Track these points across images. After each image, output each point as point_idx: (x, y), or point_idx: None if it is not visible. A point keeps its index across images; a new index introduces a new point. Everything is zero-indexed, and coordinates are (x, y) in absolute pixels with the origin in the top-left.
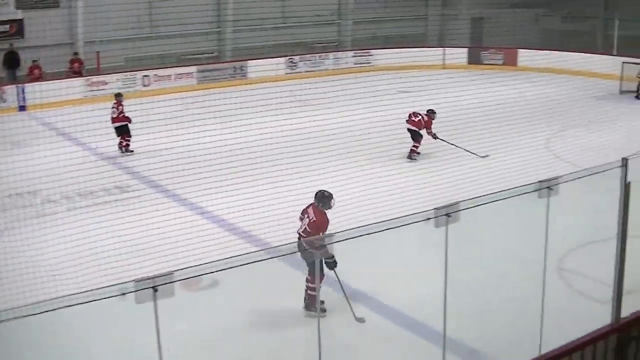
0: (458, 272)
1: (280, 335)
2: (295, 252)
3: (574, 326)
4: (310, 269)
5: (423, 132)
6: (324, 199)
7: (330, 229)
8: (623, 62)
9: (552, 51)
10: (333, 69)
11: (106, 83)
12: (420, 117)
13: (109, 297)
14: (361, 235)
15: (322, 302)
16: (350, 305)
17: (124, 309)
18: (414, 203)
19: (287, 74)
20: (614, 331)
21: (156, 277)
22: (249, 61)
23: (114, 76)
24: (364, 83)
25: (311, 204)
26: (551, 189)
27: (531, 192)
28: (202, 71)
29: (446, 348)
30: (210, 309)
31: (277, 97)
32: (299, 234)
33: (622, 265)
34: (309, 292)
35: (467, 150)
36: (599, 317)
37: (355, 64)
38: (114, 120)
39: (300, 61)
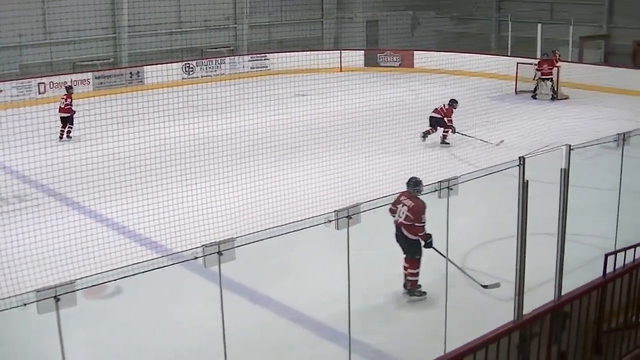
0: (361, 274)
1: (183, 341)
2: (196, 258)
3: (477, 324)
4: (409, 255)
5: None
6: (417, 184)
7: (232, 234)
8: (518, 63)
9: (448, 53)
10: (230, 74)
11: (0, 90)
12: (442, 106)
13: (10, 309)
14: (263, 239)
15: (420, 285)
16: (470, 276)
17: (26, 320)
18: (316, 205)
19: (183, 79)
20: (516, 328)
21: (57, 286)
22: (146, 67)
23: (8, 83)
24: (261, 87)
25: (402, 193)
26: (451, 189)
27: (431, 192)
28: (99, 77)
29: (352, 350)
30: (114, 316)
31: (174, 103)
32: (399, 223)
33: (523, 263)
34: (409, 277)
35: (481, 140)
36: (502, 315)
37: (252, 68)
38: (60, 109)
39: (197, 66)
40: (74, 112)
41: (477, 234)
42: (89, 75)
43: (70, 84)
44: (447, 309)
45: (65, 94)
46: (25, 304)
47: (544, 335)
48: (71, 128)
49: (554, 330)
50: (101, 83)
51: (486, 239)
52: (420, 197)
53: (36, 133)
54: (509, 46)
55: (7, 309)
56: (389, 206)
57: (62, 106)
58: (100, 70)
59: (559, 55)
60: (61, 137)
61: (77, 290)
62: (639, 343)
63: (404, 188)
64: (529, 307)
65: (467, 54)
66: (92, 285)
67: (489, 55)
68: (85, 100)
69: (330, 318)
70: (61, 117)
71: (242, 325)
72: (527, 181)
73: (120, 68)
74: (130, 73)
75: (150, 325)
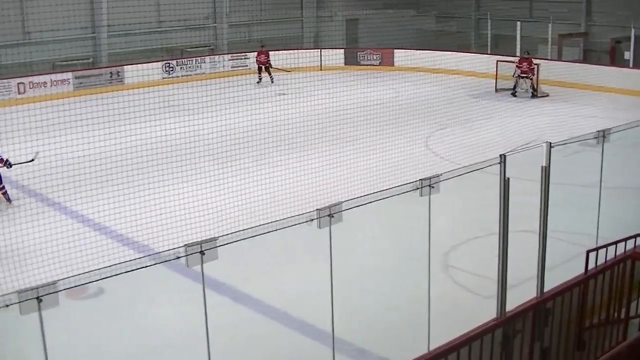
0: (344, 272)
1: (167, 341)
2: (178, 258)
3: (461, 321)
4: None
5: None
6: None
7: (213, 234)
8: (497, 61)
9: (428, 51)
10: (210, 73)
11: None
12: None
13: None
14: (245, 238)
15: None
16: None
17: (8, 321)
18: (298, 204)
19: (164, 78)
20: (499, 325)
21: (39, 287)
22: (125, 66)
23: None
24: (241, 87)
25: None
26: (432, 187)
27: (412, 190)
28: (79, 77)
29: (335, 348)
30: (96, 317)
31: (154, 103)
32: None
33: (505, 260)
34: None
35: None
36: (485, 312)
37: (232, 67)
38: None
39: (177, 66)
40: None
41: (458, 232)
42: (69, 75)
43: None
44: (430, 306)
45: None
46: (7, 305)
47: (527, 331)
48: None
49: (537, 326)
50: (81, 83)
51: (467, 236)
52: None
53: (16, 134)
54: (489, 44)
55: None
56: (371, 205)
57: None
58: (80, 70)
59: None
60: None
61: (60, 291)
62: (620, 339)
63: (386, 185)
64: (511, 304)
65: (447, 52)
66: (74, 286)
67: (469, 53)
68: (65, 100)
69: (313, 316)
70: None
71: (226, 325)
72: (508, 178)
73: (100, 68)
74: (110, 73)
75: (132, 325)
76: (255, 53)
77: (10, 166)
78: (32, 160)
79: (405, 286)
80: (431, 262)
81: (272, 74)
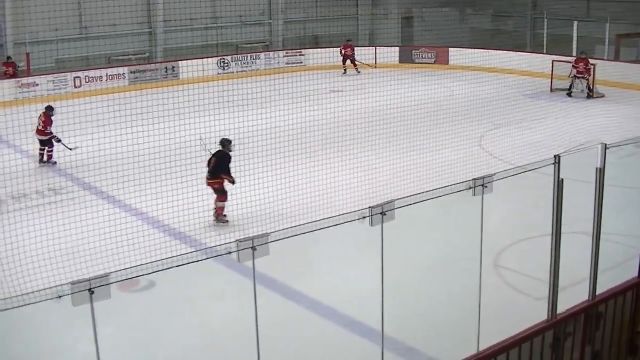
0: (395, 270)
1: (215, 336)
2: (230, 253)
3: (511, 323)
4: None
5: None
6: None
7: (265, 229)
8: (553, 61)
9: (483, 50)
10: (265, 69)
11: (37, 84)
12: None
13: (45, 300)
14: (297, 235)
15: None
16: None
17: (60, 312)
18: (350, 201)
19: (218, 74)
20: (550, 327)
21: (92, 279)
22: (181, 62)
23: (45, 77)
24: (295, 83)
25: None
26: (485, 187)
27: (465, 189)
28: (134, 72)
29: (384, 346)
30: (146, 310)
31: (209, 98)
32: None
33: (557, 262)
34: None
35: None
36: (535, 313)
37: (287, 63)
38: (37, 131)
39: (232, 61)
40: (54, 136)
41: (510, 232)
42: (124, 69)
43: (51, 105)
44: (480, 306)
45: (43, 114)
46: (59, 296)
47: (578, 335)
48: (51, 151)
49: (588, 330)
50: (136, 77)
51: (519, 237)
52: None
53: (72, 127)
54: (544, 43)
55: (42, 301)
56: (423, 203)
57: (40, 128)
58: (136, 65)
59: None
60: (41, 160)
61: (112, 283)
62: None
63: (439, 185)
64: (562, 307)
65: (502, 51)
66: (126, 279)
67: (524, 53)
68: (121, 94)
69: (362, 314)
70: (39, 140)
71: (275, 321)
72: (562, 179)
73: (156, 63)
74: (166, 68)
75: (182, 319)
76: (342, 46)
77: (58, 141)
78: (72, 149)
79: (456, 286)
80: (482, 262)
81: (357, 67)
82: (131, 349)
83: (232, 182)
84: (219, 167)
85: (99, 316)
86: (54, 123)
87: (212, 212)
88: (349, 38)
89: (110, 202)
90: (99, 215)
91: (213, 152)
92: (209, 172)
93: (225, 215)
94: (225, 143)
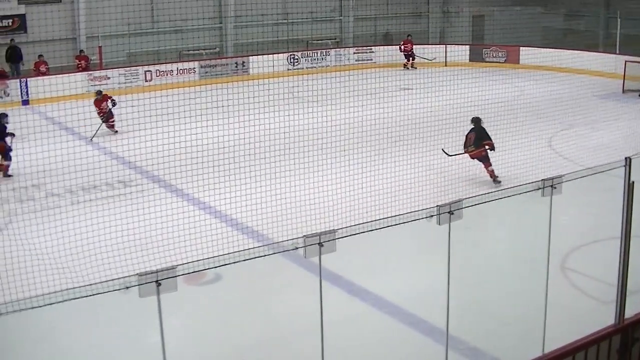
0: (460, 270)
1: (280, 330)
2: (297, 249)
3: (577, 326)
4: None
5: None
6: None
7: (332, 225)
8: (626, 61)
9: (555, 49)
10: (335, 66)
11: (108, 78)
12: None
13: (113, 291)
14: (364, 232)
15: None
16: None
17: (127, 303)
18: (418, 200)
19: (288, 70)
20: (617, 332)
21: (159, 271)
22: (251, 57)
23: (117, 71)
24: (365, 80)
25: None
26: (554, 188)
27: (534, 190)
28: (204, 66)
29: (448, 345)
30: (212, 303)
31: (278, 93)
32: None
33: (626, 266)
34: None
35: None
36: (603, 317)
37: (357, 60)
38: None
39: (302, 57)
40: (109, 109)
41: (578, 234)
42: (195, 64)
43: (100, 90)
44: (546, 308)
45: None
46: (127, 287)
47: None
48: (113, 121)
49: None
50: (206, 72)
51: (588, 239)
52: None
53: (142, 120)
54: (617, 43)
55: (109, 291)
56: (491, 203)
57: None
58: (206, 60)
59: None
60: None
61: (178, 275)
62: None
63: (508, 184)
64: (631, 311)
65: (573, 51)
66: (193, 272)
67: (596, 53)
68: (191, 89)
69: (427, 312)
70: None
71: (340, 317)
72: (633, 182)
73: (226, 58)
74: (236, 63)
75: (247, 314)
76: (401, 42)
77: (115, 104)
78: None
79: (522, 287)
80: (549, 264)
81: (415, 64)
82: (196, 342)
83: (493, 147)
84: (480, 138)
85: (165, 308)
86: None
87: (486, 177)
88: (409, 34)
89: (178, 196)
90: (167, 208)
91: (469, 130)
92: (472, 145)
93: (497, 176)
94: (478, 120)
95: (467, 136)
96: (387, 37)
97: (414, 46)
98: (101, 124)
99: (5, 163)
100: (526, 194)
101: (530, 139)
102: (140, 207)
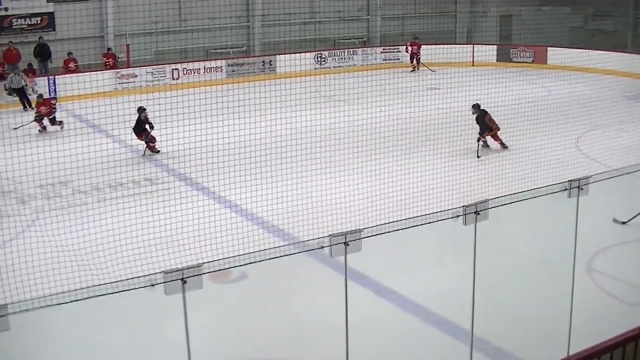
0: (486, 270)
1: (305, 329)
2: (322, 248)
3: (602, 328)
4: None
5: None
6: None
7: (358, 225)
8: None
9: (582, 49)
10: (362, 65)
11: (136, 76)
12: None
13: (138, 288)
14: (390, 232)
15: None
16: None
17: (153, 300)
18: (443, 200)
19: (315, 69)
20: None
21: (185, 269)
22: (278, 56)
23: (144, 69)
24: (392, 80)
25: None
26: (581, 189)
27: (561, 191)
28: (231, 65)
29: (473, 346)
30: (237, 301)
31: (306, 92)
32: None
33: None
34: None
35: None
36: (629, 320)
37: (384, 60)
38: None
39: (329, 57)
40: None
41: (605, 236)
42: (222, 62)
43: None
44: (572, 309)
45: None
46: (153, 285)
47: None
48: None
49: None
50: (233, 71)
51: (614, 241)
52: None
53: (169, 118)
54: None
55: (135, 288)
56: (517, 204)
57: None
58: (233, 58)
59: None
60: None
61: (204, 273)
62: None
63: (534, 185)
64: None
65: (601, 51)
66: (218, 270)
67: (625, 53)
68: (218, 87)
69: (452, 313)
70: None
71: (365, 317)
72: None
73: (253, 56)
74: (263, 62)
75: (272, 312)
76: (408, 43)
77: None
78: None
79: (548, 288)
80: (575, 265)
81: (420, 66)
82: (221, 340)
83: (498, 128)
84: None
85: (190, 306)
86: None
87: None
88: (416, 36)
89: (204, 194)
90: (193, 206)
91: (477, 115)
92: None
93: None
94: (478, 105)
95: (485, 119)
96: (415, 36)
97: (422, 47)
98: (30, 122)
99: (151, 144)
100: (552, 195)
101: (557, 140)
102: (167, 205)
